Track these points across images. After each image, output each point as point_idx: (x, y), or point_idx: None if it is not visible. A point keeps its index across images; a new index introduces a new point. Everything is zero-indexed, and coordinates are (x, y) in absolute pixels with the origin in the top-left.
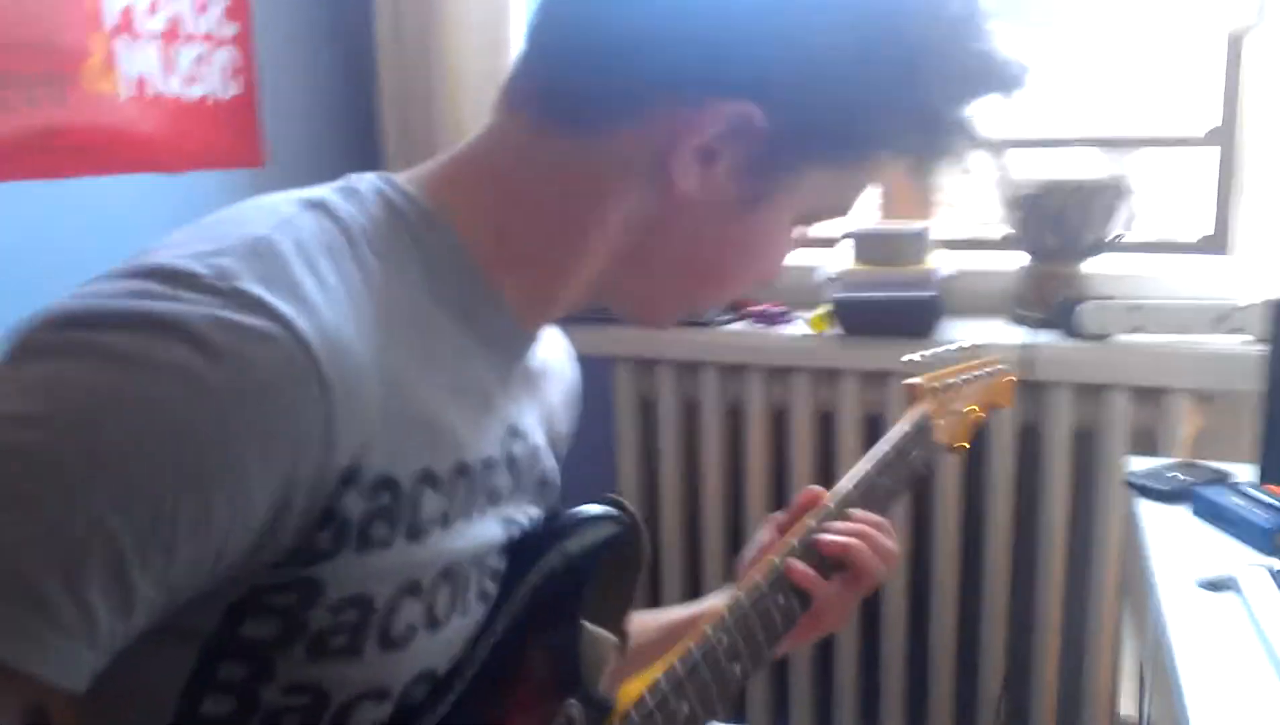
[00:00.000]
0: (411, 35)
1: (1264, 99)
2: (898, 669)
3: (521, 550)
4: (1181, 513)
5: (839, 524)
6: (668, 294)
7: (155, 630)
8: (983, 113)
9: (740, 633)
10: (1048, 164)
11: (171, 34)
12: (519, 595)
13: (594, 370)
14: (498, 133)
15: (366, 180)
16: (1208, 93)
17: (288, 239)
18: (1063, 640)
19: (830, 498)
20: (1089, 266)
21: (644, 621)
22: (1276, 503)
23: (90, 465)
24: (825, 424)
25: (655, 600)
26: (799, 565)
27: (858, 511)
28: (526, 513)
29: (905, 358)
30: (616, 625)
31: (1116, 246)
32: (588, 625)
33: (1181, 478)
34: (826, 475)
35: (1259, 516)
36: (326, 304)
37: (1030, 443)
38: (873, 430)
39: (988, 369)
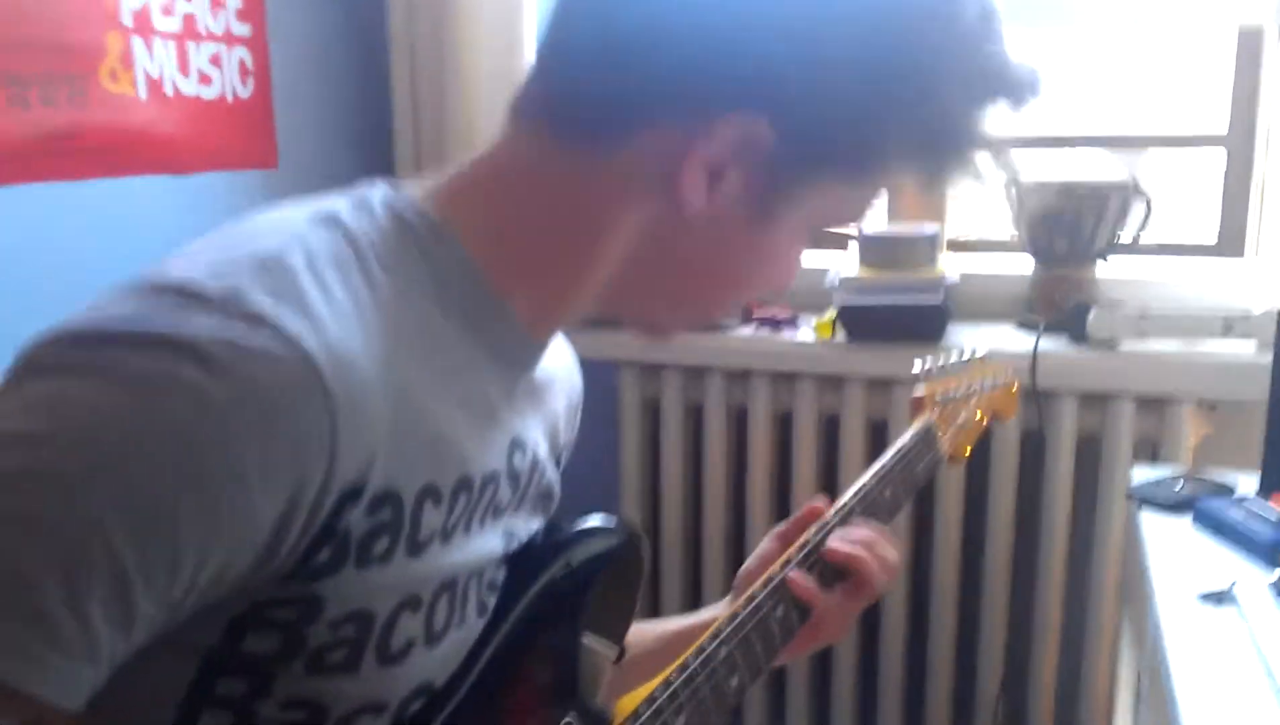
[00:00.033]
0: (425, 35)
1: (1276, 101)
2: (896, 675)
3: (522, 562)
4: (1184, 524)
5: (843, 533)
6: (676, 305)
7: (155, 643)
8: (993, 119)
9: (738, 646)
10: (1058, 165)
11: (187, 34)
12: (518, 608)
13: (599, 374)
14: (507, 145)
15: (377, 192)
16: (1219, 94)
17: (298, 254)
18: (1061, 648)
19: (833, 510)
20: (1098, 271)
21: (642, 631)
22: (1279, 517)
23: (95, 484)
24: (830, 429)
25: (656, 604)
26: (800, 578)
27: (860, 522)
28: (527, 524)
29: (913, 371)
30: (615, 638)
31: (1126, 250)
32: (586, 637)
33: (1185, 489)
34: (830, 481)
35: (1261, 531)
36: (334, 321)
37: (1034, 449)
38: (878, 436)
39: (992, 380)
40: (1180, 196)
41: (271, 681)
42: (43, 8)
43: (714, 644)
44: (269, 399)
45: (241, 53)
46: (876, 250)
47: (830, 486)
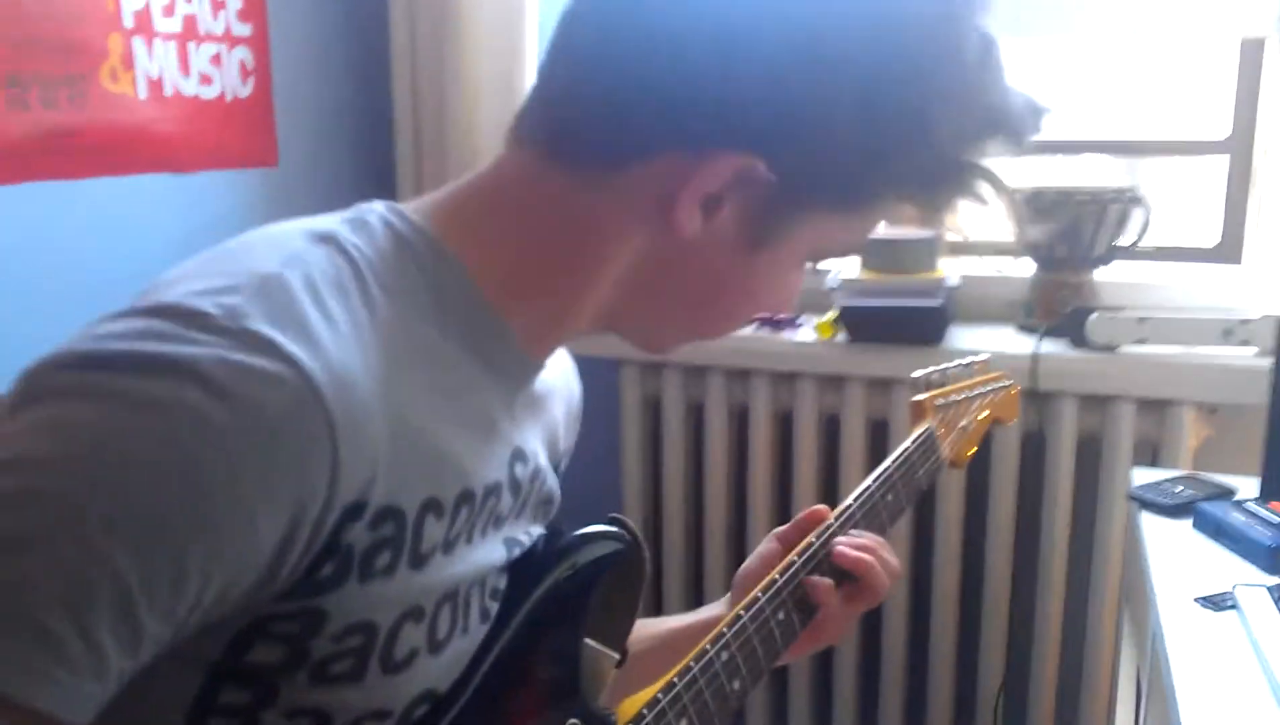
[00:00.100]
0: (426, 35)
1: (1278, 108)
2: (897, 675)
3: (524, 568)
4: (1184, 527)
5: (848, 539)
6: (672, 327)
7: (161, 656)
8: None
9: (740, 649)
10: (1059, 170)
11: (187, 34)
12: (520, 613)
13: (600, 371)
14: (506, 165)
15: (376, 211)
16: (1221, 100)
17: (297, 275)
18: (1062, 649)
19: (834, 516)
20: (1098, 275)
21: (643, 629)
22: (1279, 520)
23: (99, 507)
24: (830, 429)
25: (658, 599)
26: (823, 581)
27: (861, 529)
28: (528, 531)
29: (913, 375)
30: (617, 642)
31: (1126, 255)
32: (588, 642)
33: (1185, 492)
34: (831, 480)
35: (1261, 534)
36: (334, 342)
37: (1034, 452)
38: (878, 436)
39: (993, 384)
40: (1182, 202)
41: (276, 692)
42: (44, 9)
43: (716, 647)
44: (270, 421)
45: (242, 53)
46: (878, 252)
47: (830, 486)
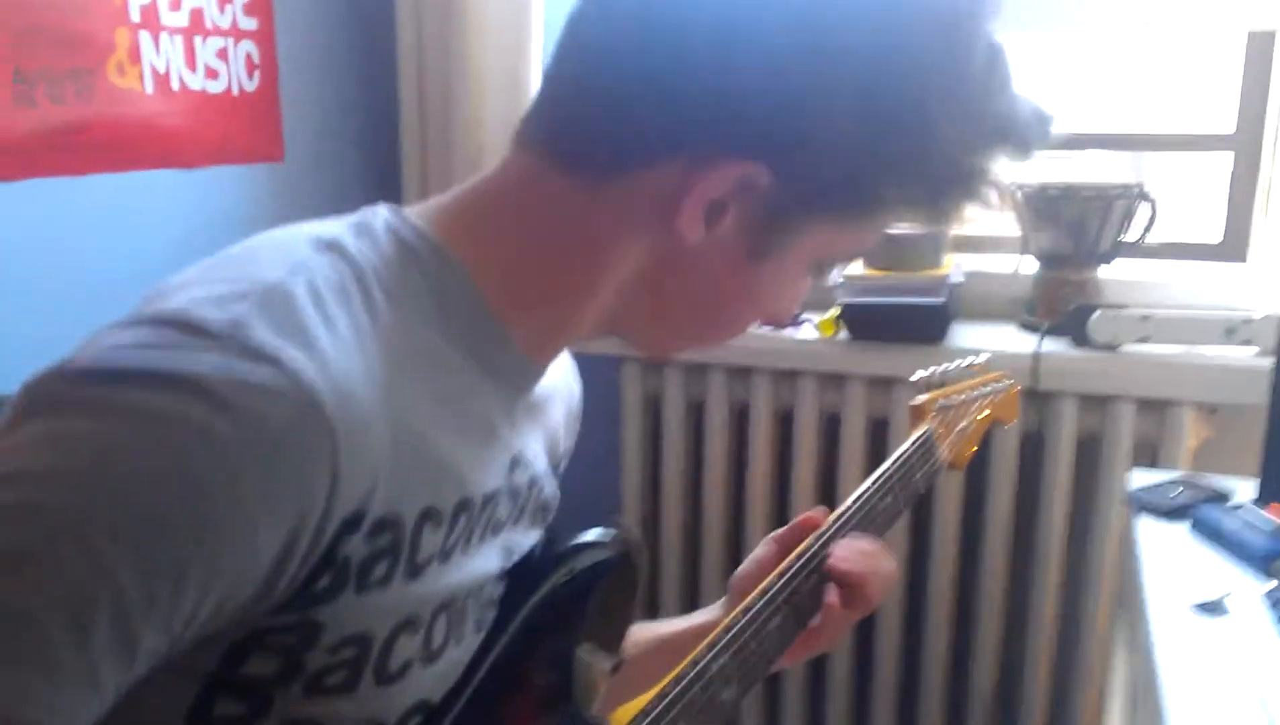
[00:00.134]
0: (432, 30)
1: None
2: (890, 675)
3: (520, 575)
4: (1180, 531)
5: (844, 547)
6: (674, 333)
7: (156, 668)
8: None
9: (733, 656)
10: (1063, 165)
11: (194, 28)
12: (515, 621)
13: (601, 368)
14: (511, 169)
15: (381, 216)
16: (1227, 95)
17: (301, 284)
18: (1056, 650)
19: (831, 519)
20: (1102, 273)
21: (638, 634)
22: (1276, 525)
23: (99, 521)
24: (831, 427)
25: (655, 598)
26: (834, 599)
27: (857, 535)
28: (525, 537)
29: (912, 377)
30: (612, 648)
31: (1130, 252)
32: (583, 648)
33: (1182, 495)
34: (830, 478)
35: (1257, 540)
36: (336, 352)
37: (1033, 451)
38: (878, 434)
39: (993, 384)
40: (1187, 198)
41: (270, 703)
42: (50, 3)
43: (710, 654)
44: (272, 435)
45: (248, 46)
46: (880, 249)
47: (830, 484)
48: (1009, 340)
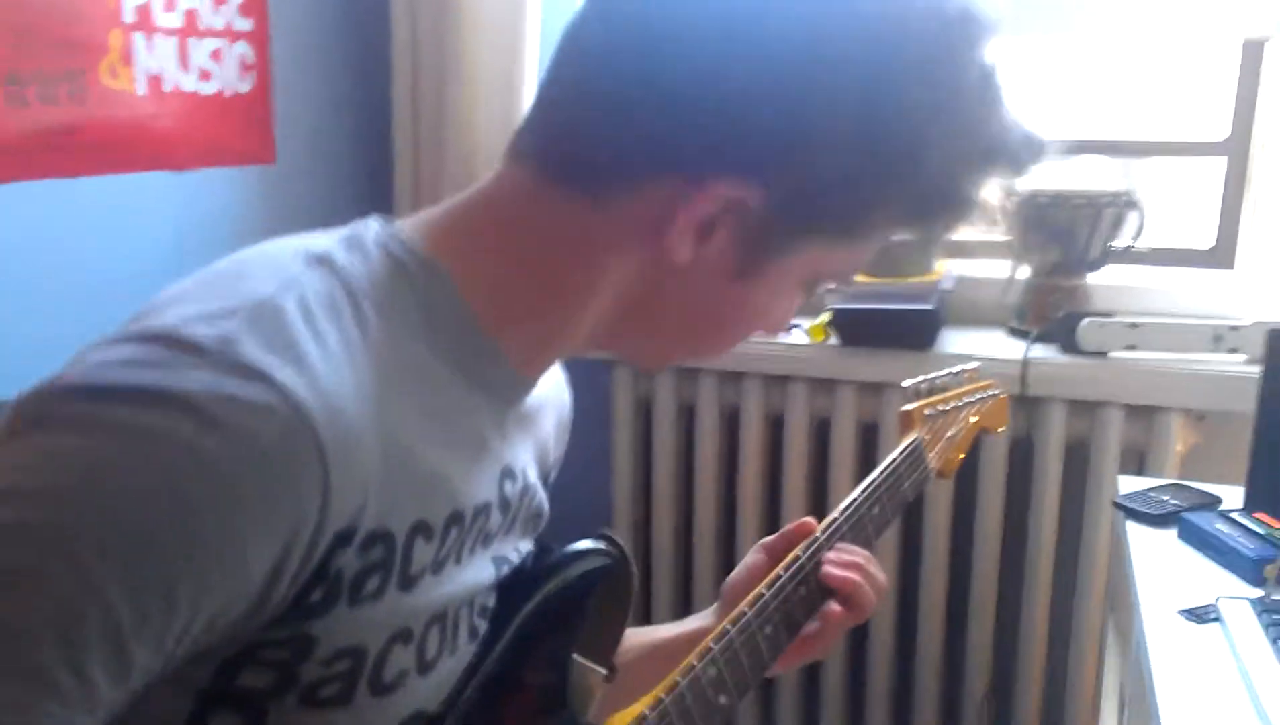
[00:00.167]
0: (426, 32)
1: (1276, 111)
2: (884, 679)
3: (512, 586)
4: (1169, 537)
5: (835, 556)
6: (666, 349)
7: (150, 683)
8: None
9: (726, 664)
10: (1053, 172)
11: (188, 30)
12: (509, 631)
13: (593, 373)
14: (503, 183)
15: (372, 229)
16: (1220, 102)
17: (291, 299)
18: (1048, 653)
19: (821, 528)
20: (1091, 279)
21: (631, 640)
22: (1263, 532)
23: (89, 540)
24: (821, 431)
25: (647, 601)
26: (834, 610)
27: (847, 544)
28: (517, 547)
29: (902, 384)
30: (605, 657)
31: (1119, 258)
32: (577, 658)
33: (1170, 501)
34: (821, 483)
35: (1245, 546)
36: (326, 368)
37: (1022, 457)
38: (868, 439)
39: (982, 393)
40: (1176, 204)
41: (265, 715)
42: (44, 4)
43: (703, 663)
44: (263, 453)
45: (242, 48)
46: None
47: (821, 489)
48: (999, 346)
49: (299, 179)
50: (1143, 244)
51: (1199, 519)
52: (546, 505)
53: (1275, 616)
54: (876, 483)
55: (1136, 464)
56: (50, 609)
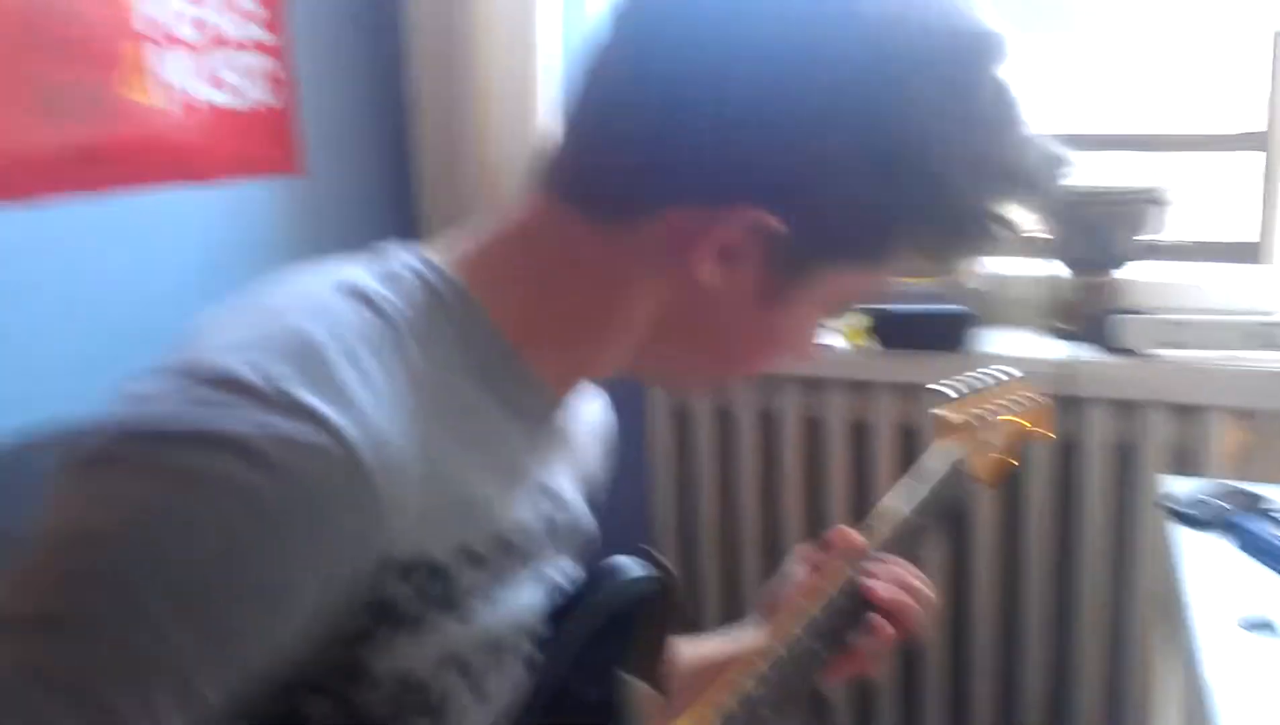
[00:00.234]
0: (443, 40)
1: None
2: (937, 689)
3: (562, 610)
4: (1220, 542)
5: (882, 572)
6: (694, 374)
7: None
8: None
9: (777, 684)
10: (1085, 167)
11: (210, 43)
12: (559, 655)
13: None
14: (529, 211)
15: (405, 260)
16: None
17: (332, 336)
18: (1105, 657)
19: (865, 540)
20: (1128, 276)
21: (678, 654)
22: None
23: (153, 584)
24: (860, 434)
25: (694, 608)
26: (885, 629)
27: (895, 559)
28: (563, 569)
29: (945, 390)
30: (655, 677)
31: (1154, 253)
32: (627, 679)
33: (1219, 503)
34: (861, 485)
35: None
36: (371, 405)
37: (1067, 458)
38: (908, 441)
39: (1026, 400)
40: (1214, 199)
41: None
42: (66, 20)
43: (753, 684)
44: (314, 491)
45: (265, 61)
46: None
47: (860, 490)
48: (1037, 346)
49: (327, 189)
50: (1179, 239)
51: (1251, 524)
52: (593, 526)
53: None
54: (920, 494)
55: (1183, 464)
56: (120, 654)
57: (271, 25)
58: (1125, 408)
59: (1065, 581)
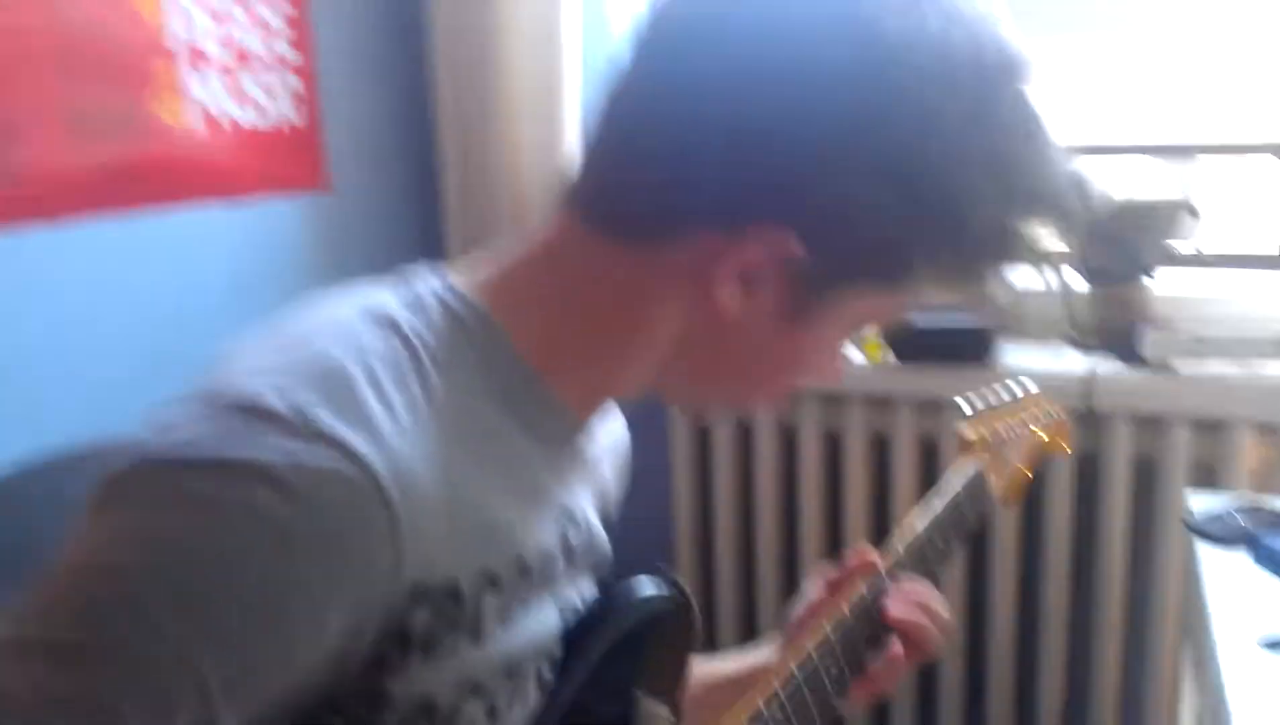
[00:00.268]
0: (468, 55)
1: None
2: (954, 707)
3: (578, 630)
4: (1243, 559)
5: (899, 593)
6: (716, 396)
7: None
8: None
9: (794, 706)
10: (1108, 175)
11: (239, 63)
12: (575, 676)
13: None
14: (552, 235)
15: (428, 285)
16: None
17: (358, 365)
18: (1123, 675)
19: (883, 561)
20: (1151, 289)
21: (694, 672)
22: None
23: (178, 611)
24: (880, 449)
25: (711, 624)
26: (898, 653)
27: (912, 579)
28: (580, 591)
29: (962, 408)
30: (670, 697)
31: (1180, 263)
32: (642, 699)
33: (1242, 520)
34: (880, 501)
35: None
36: (395, 433)
37: (1089, 473)
38: (927, 456)
39: (1043, 415)
40: (1244, 207)
41: None
42: (99, 43)
43: (770, 707)
44: (339, 520)
45: (292, 80)
46: None
47: (882, 507)
48: (1059, 360)
49: (353, 206)
50: (1205, 249)
51: (1273, 540)
52: (608, 547)
53: None
54: (938, 514)
55: (1207, 480)
56: (143, 678)
57: (297, 42)
58: (1148, 422)
59: (1085, 598)
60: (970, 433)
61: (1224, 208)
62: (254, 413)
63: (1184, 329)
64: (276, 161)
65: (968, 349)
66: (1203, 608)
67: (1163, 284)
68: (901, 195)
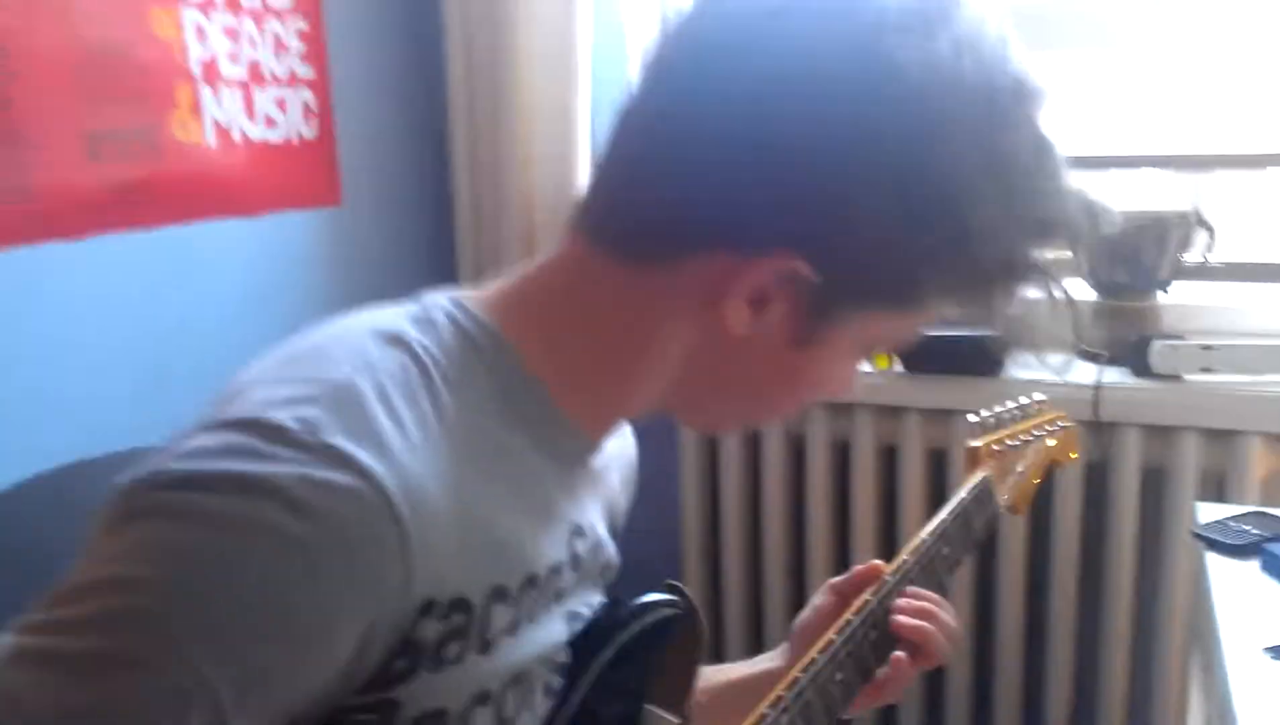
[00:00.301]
0: (481, 70)
1: None
2: (961, 715)
3: (585, 640)
4: (1252, 568)
5: (906, 603)
6: (727, 415)
7: None
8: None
9: (800, 713)
10: (1117, 187)
11: (253, 79)
12: (582, 684)
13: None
14: (563, 256)
15: (441, 306)
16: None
17: (369, 383)
18: (1131, 685)
19: (890, 572)
20: (1160, 301)
21: (702, 680)
22: None
23: (190, 625)
24: (889, 459)
25: (718, 633)
26: (902, 659)
27: (920, 590)
28: (588, 602)
29: (968, 418)
30: (678, 707)
31: (1190, 275)
32: (650, 709)
33: (1252, 531)
34: (889, 511)
35: None
36: (406, 451)
37: (1097, 485)
38: (936, 466)
39: (1050, 425)
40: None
41: None
42: (116, 62)
43: (776, 711)
44: (349, 537)
45: (305, 95)
46: None
47: (890, 517)
48: (1068, 371)
49: (365, 219)
50: (1215, 260)
51: None
52: (616, 558)
53: None
54: (945, 523)
55: (1215, 490)
56: (155, 690)
57: (312, 58)
58: (1157, 433)
59: (1093, 606)
60: (978, 443)
61: (1235, 220)
62: (266, 429)
63: (1194, 341)
64: (290, 176)
65: (977, 359)
66: (1211, 617)
67: (1175, 296)
68: (910, 219)
